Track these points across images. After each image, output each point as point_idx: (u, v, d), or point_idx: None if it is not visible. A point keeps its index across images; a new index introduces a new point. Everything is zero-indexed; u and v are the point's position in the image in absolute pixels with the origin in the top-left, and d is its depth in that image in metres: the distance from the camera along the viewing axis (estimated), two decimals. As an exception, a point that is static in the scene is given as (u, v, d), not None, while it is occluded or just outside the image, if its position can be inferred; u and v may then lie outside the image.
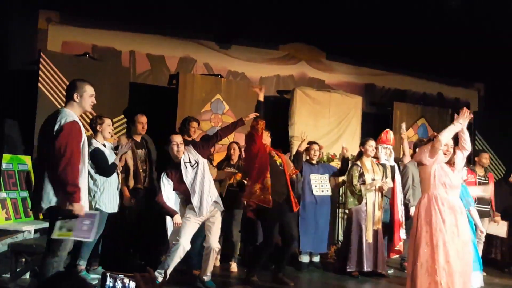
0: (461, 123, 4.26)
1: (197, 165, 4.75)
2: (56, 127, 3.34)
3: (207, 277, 4.81)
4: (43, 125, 3.57)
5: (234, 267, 5.86)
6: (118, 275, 1.69)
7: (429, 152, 4.18)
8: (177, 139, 4.77)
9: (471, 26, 7.65)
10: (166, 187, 4.75)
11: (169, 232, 4.78)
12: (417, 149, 6.30)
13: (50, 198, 3.36)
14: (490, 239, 6.95)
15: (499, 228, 6.72)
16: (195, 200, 4.70)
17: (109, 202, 4.78)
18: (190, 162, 4.76)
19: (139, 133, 5.45)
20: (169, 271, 4.53)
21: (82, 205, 3.36)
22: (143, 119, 5.45)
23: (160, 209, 4.73)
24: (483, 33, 7.75)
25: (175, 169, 4.76)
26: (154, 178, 5.48)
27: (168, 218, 4.75)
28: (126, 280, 1.67)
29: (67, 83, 5.84)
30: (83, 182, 3.45)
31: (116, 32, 7.20)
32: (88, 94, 3.58)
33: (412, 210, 6.02)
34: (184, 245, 4.59)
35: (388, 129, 6.44)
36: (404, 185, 6.18)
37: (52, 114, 3.53)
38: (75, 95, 3.54)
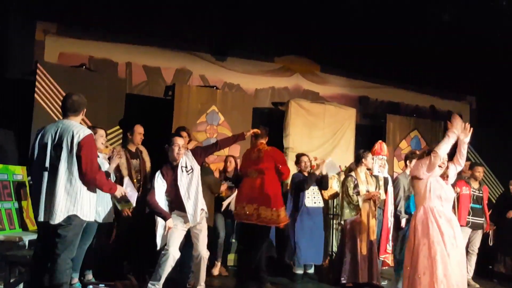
0: (455, 132, 4.22)
1: (192, 171, 4.71)
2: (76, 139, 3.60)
3: (201, 287, 4.77)
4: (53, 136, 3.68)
5: (218, 266, 6.10)
6: (98, 285, 1.70)
7: (427, 166, 4.18)
8: (180, 141, 4.72)
9: (463, 40, 7.78)
10: (160, 187, 4.65)
11: (158, 237, 4.62)
12: (408, 162, 6.42)
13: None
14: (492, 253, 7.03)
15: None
16: (189, 207, 4.63)
17: (103, 212, 4.78)
18: (186, 167, 4.71)
19: (136, 143, 5.46)
20: (161, 282, 4.51)
21: (119, 187, 4.01)
22: (141, 129, 5.46)
23: (152, 209, 4.60)
24: (474, 46, 7.87)
25: (171, 171, 4.69)
26: (147, 188, 5.48)
27: (159, 222, 4.62)
28: None
29: (64, 94, 5.95)
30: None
31: (112, 43, 7.24)
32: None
33: (404, 222, 6.07)
34: (174, 254, 4.54)
35: (381, 141, 6.51)
36: (395, 196, 6.22)
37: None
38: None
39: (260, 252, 5.16)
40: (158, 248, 4.58)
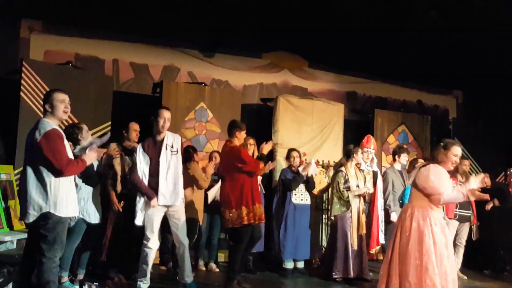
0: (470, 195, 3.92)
1: (177, 153, 4.68)
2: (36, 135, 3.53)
3: (189, 279, 4.74)
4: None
5: (214, 268, 6.16)
6: (92, 284, 1.70)
7: (432, 200, 3.92)
8: (167, 114, 4.70)
9: (450, 35, 7.84)
10: (142, 162, 4.57)
11: (139, 215, 4.56)
12: (397, 157, 6.47)
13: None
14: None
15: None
16: (162, 186, 4.57)
17: (93, 212, 4.75)
18: (172, 146, 4.67)
19: (132, 140, 5.39)
20: (148, 276, 4.52)
21: (89, 154, 3.79)
22: (136, 126, 5.43)
23: (137, 188, 4.53)
24: (461, 41, 7.94)
25: (153, 146, 4.62)
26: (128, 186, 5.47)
27: (140, 200, 4.56)
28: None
29: (49, 91, 5.92)
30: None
31: (99, 40, 7.18)
32: (57, 101, 3.68)
33: (393, 216, 6.13)
34: (154, 246, 4.57)
35: (369, 135, 6.57)
36: (384, 190, 6.28)
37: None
38: (46, 106, 3.68)
39: (235, 253, 5.10)
40: (140, 224, 4.57)
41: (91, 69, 6.85)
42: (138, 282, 4.46)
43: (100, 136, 4.78)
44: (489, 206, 7.18)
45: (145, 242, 4.57)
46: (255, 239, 5.15)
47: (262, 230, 5.60)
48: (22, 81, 5.89)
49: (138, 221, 4.61)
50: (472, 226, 7.02)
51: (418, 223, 3.88)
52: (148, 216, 4.59)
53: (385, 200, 6.27)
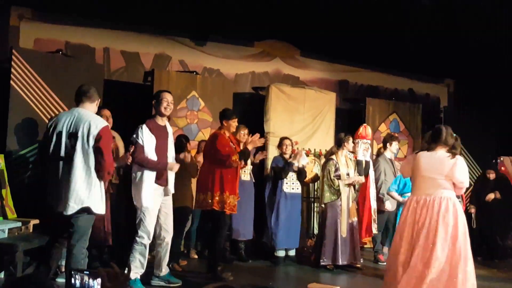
0: None
1: (171, 142, 4.67)
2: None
3: (167, 270, 4.74)
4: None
5: (193, 253, 6.27)
6: (83, 273, 1.71)
7: (459, 190, 4.01)
8: (169, 97, 4.61)
9: (441, 23, 7.85)
10: (149, 143, 4.37)
11: (144, 198, 4.36)
12: (389, 145, 6.51)
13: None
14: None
15: None
16: (171, 175, 4.56)
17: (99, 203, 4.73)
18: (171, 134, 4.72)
19: None
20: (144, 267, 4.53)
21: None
22: (106, 112, 5.29)
23: (147, 166, 4.34)
24: (452, 30, 7.96)
25: (158, 128, 4.49)
26: (121, 174, 5.47)
27: (144, 181, 4.37)
28: (89, 277, 1.69)
29: (40, 80, 5.89)
30: None
31: (89, 28, 7.12)
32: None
33: (387, 204, 6.20)
34: (148, 241, 4.49)
35: (365, 124, 6.59)
36: (377, 180, 6.33)
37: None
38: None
39: (212, 239, 5.15)
40: (144, 206, 4.41)
41: (81, 57, 6.79)
42: (136, 275, 4.44)
43: None
44: (490, 198, 7.27)
45: (141, 232, 4.46)
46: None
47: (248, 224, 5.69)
48: (12, 70, 5.83)
49: (147, 202, 4.43)
50: (472, 215, 7.16)
51: (448, 214, 3.85)
52: (147, 211, 4.47)
53: (378, 189, 6.32)
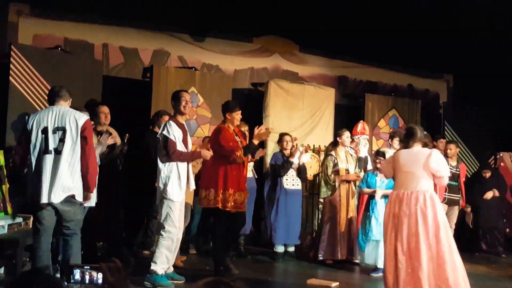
0: None
1: (190, 139, 4.76)
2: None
3: (170, 269, 4.71)
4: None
5: (192, 249, 6.26)
6: (84, 267, 1.70)
7: (439, 182, 4.31)
8: (187, 96, 4.67)
9: (441, 19, 7.85)
10: (178, 137, 4.44)
11: (178, 189, 4.47)
12: (397, 140, 6.51)
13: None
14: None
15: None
16: (191, 172, 4.63)
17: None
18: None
19: (102, 124, 5.28)
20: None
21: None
22: (104, 108, 5.30)
23: (181, 159, 4.43)
24: (452, 25, 7.96)
25: (179, 124, 4.55)
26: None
27: (174, 172, 4.43)
28: (91, 272, 1.69)
29: (39, 76, 5.90)
30: None
31: (88, 24, 7.11)
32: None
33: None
34: (175, 237, 4.52)
35: (362, 121, 6.63)
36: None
37: None
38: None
39: (214, 236, 5.18)
40: (173, 199, 4.46)
41: (80, 53, 6.79)
42: (160, 270, 4.44)
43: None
44: (489, 196, 7.29)
45: (167, 227, 4.47)
46: (230, 227, 5.04)
47: (247, 219, 5.52)
48: (11, 66, 5.84)
49: (182, 195, 4.54)
50: (469, 213, 7.18)
51: (426, 206, 4.04)
52: (174, 205, 4.49)
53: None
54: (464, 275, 3.99)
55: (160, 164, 4.53)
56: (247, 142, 5.17)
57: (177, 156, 4.45)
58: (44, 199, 3.80)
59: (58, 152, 3.84)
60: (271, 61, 8.45)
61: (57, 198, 3.81)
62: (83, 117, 3.94)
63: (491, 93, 9.00)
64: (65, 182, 3.81)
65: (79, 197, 3.90)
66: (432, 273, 3.94)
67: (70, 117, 3.88)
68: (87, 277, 1.69)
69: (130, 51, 7.44)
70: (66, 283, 1.79)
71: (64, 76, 5.94)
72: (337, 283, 4.97)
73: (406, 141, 4.33)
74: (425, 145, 4.35)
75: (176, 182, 4.48)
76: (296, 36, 8.47)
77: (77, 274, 1.70)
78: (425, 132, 4.45)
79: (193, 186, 4.72)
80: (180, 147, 4.48)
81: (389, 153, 5.36)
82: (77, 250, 3.87)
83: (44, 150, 3.86)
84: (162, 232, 4.48)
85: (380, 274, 4.83)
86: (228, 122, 5.04)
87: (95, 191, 4.75)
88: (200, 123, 7.12)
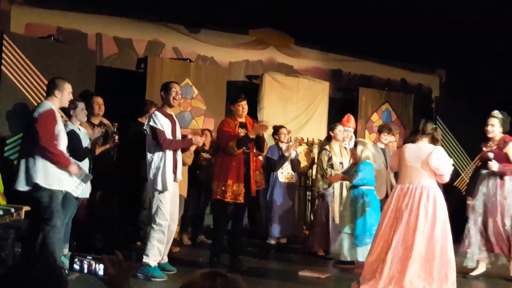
0: None
1: (178, 130, 4.71)
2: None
3: (164, 260, 4.70)
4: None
5: (203, 238, 6.25)
6: (86, 258, 1.70)
7: (441, 178, 4.27)
8: (177, 87, 4.64)
9: (434, 14, 7.88)
10: (166, 127, 4.42)
11: (168, 178, 4.41)
12: (385, 133, 6.54)
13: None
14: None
15: None
16: (180, 163, 4.61)
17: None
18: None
19: (96, 114, 5.27)
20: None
21: (74, 167, 4.05)
22: (98, 99, 5.27)
23: (171, 147, 4.41)
24: (445, 21, 7.99)
25: (167, 117, 4.51)
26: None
27: (167, 161, 4.40)
28: (93, 262, 1.69)
29: (32, 66, 5.83)
30: None
31: (81, 14, 7.04)
32: (67, 92, 4.13)
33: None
34: (166, 229, 4.48)
35: (349, 114, 6.67)
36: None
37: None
38: (56, 92, 4.06)
39: (215, 229, 5.16)
40: (161, 189, 4.43)
41: (73, 43, 6.73)
42: (153, 262, 4.42)
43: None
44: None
45: (158, 219, 4.45)
46: (232, 220, 5.06)
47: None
48: (3, 55, 5.75)
49: (170, 185, 4.47)
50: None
51: (428, 202, 4.11)
52: (163, 197, 4.48)
53: None
54: (453, 268, 4.10)
55: (149, 155, 4.52)
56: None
57: (168, 144, 4.42)
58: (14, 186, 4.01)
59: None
60: (266, 53, 8.44)
61: (18, 185, 3.96)
62: (41, 109, 3.96)
63: (483, 89, 9.08)
64: (26, 170, 3.97)
65: (46, 185, 3.95)
66: (420, 266, 4.05)
67: (34, 109, 4.16)
68: (85, 266, 1.69)
69: (124, 41, 7.38)
70: (67, 272, 1.79)
71: (56, 66, 5.87)
72: (329, 274, 5.00)
73: (414, 135, 4.35)
74: (434, 140, 4.30)
75: (165, 173, 4.45)
76: (292, 29, 8.46)
77: (76, 263, 1.70)
78: (435, 126, 4.37)
79: (179, 177, 4.68)
80: (168, 135, 4.49)
81: (367, 145, 5.34)
82: (50, 239, 3.91)
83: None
84: (153, 225, 4.48)
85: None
86: (234, 114, 5.01)
87: (88, 182, 4.75)
88: (195, 115, 7.10)
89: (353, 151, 5.39)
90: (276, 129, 6.41)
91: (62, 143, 4.03)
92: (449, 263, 4.10)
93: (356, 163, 5.31)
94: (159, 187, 4.44)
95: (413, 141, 4.33)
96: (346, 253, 5.21)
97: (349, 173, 5.36)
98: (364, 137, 8.34)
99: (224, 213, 4.96)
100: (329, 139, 6.13)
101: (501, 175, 4.89)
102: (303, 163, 7.00)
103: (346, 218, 5.34)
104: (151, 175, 4.49)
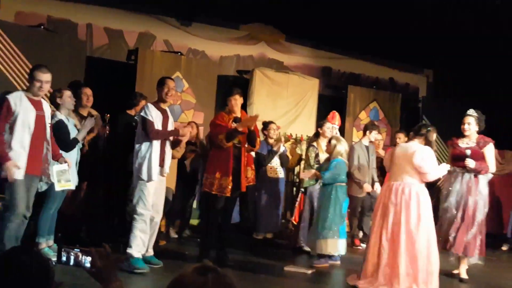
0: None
1: (171, 124, 4.74)
2: None
3: (149, 253, 4.70)
4: None
5: (188, 233, 6.28)
6: (73, 250, 1.69)
7: (424, 177, 4.37)
8: (171, 84, 4.68)
9: (422, 15, 7.97)
10: (156, 118, 4.48)
11: (154, 170, 4.45)
12: (368, 132, 6.62)
13: None
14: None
15: None
16: (168, 156, 4.63)
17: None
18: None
19: (84, 105, 5.22)
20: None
21: (10, 162, 3.82)
22: (87, 90, 5.22)
23: (160, 137, 4.47)
24: (433, 21, 8.09)
25: (160, 112, 4.56)
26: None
27: (153, 153, 4.45)
28: (80, 254, 1.69)
29: (21, 55, 5.78)
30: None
31: (72, 3, 6.98)
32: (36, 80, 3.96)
33: (367, 186, 6.31)
34: (148, 219, 4.50)
35: (334, 111, 6.75)
36: (350, 165, 6.43)
37: None
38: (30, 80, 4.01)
39: (204, 223, 5.20)
40: (145, 178, 4.46)
41: (63, 32, 6.67)
42: (137, 253, 4.42)
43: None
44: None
45: (140, 210, 4.47)
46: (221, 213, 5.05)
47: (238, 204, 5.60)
48: (-8, 43, 5.71)
49: (155, 175, 4.50)
50: None
51: (410, 199, 4.25)
52: (145, 188, 4.49)
53: (351, 174, 6.42)
54: (437, 262, 4.26)
55: (137, 146, 4.56)
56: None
57: (155, 134, 4.48)
58: None
59: None
60: (257, 49, 8.46)
61: None
62: None
63: (469, 89, 9.21)
64: None
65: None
66: (408, 261, 4.18)
67: None
68: (72, 258, 1.69)
69: (115, 32, 7.34)
70: (54, 263, 1.80)
71: (46, 55, 5.84)
72: (314, 270, 5.07)
73: (409, 136, 4.56)
74: (427, 142, 4.43)
75: (151, 163, 4.48)
76: (283, 25, 8.49)
77: (64, 255, 1.71)
78: (429, 129, 4.49)
79: (167, 171, 4.70)
80: (157, 127, 4.52)
81: (341, 141, 5.42)
82: (6, 231, 3.91)
83: None
84: (135, 215, 4.49)
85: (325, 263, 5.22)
86: (229, 109, 5.02)
87: (74, 173, 4.75)
88: (184, 108, 7.10)
89: (328, 146, 5.47)
90: (266, 125, 6.45)
91: (17, 135, 3.88)
92: (433, 261, 4.22)
93: (329, 159, 5.38)
94: (144, 176, 4.47)
95: (408, 141, 4.56)
96: (313, 246, 5.31)
97: (322, 169, 5.44)
98: (352, 134, 8.44)
99: (214, 207, 4.97)
100: (317, 135, 6.20)
101: (475, 173, 4.94)
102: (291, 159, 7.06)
103: (316, 213, 5.46)
104: (136, 164, 4.53)
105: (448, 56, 8.94)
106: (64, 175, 4.44)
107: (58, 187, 4.40)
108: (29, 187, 4.00)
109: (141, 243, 4.47)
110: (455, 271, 5.10)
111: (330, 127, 6.20)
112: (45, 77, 4.00)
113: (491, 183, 8.15)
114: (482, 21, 7.82)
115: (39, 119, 4.00)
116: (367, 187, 6.31)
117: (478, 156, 4.95)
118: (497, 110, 8.88)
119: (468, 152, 4.96)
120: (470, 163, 4.87)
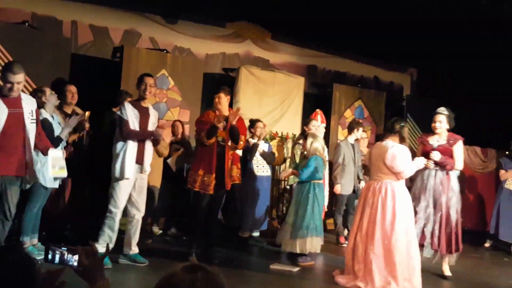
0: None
1: (152, 123, 4.74)
2: None
3: (136, 249, 4.73)
4: None
5: (174, 231, 6.27)
6: (60, 248, 1.70)
7: (399, 175, 4.45)
8: (150, 81, 4.68)
9: (406, 15, 8.05)
10: (132, 117, 4.53)
11: (128, 167, 4.48)
12: (356, 130, 6.67)
13: None
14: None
15: None
16: (149, 154, 4.65)
17: (49, 176, 4.68)
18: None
19: (69, 103, 5.20)
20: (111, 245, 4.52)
21: None
22: (72, 88, 5.20)
23: (133, 137, 4.51)
24: (417, 21, 8.18)
25: (140, 110, 4.59)
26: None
27: (128, 149, 4.48)
28: (66, 253, 1.69)
29: (5, 52, 5.71)
30: None
31: (57, 0, 6.92)
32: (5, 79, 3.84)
33: (338, 187, 6.39)
34: (119, 216, 4.53)
35: (318, 110, 6.83)
36: (334, 162, 6.50)
37: None
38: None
39: (192, 220, 5.23)
40: (126, 176, 4.48)
41: (48, 29, 6.60)
42: (102, 248, 4.35)
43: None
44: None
45: (112, 207, 4.51)
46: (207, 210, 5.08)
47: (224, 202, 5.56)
48: (-25, 40, 5.64)
49: (128, 173, 4.51)
50: None
51: (386, 197, 4.33)
52: (118, 185, 4.52)
53: (333, 171, 6.50)
54: (418, 259, 4.34)
55: (114, 144, 4.62)
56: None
57: (127, 134, 4.52)
58: None
59: None
60: (243, 47, 8.47)
61: None
62: None
63: (453, 88, 9.35)
64: None
65: None
66: (383, 258, 4.26)
67: None
68: (57, 256, 1.69)
69: (100, 29, 7.29)
70: (41, 262, 1.80)
71: (31, 52, 5.78)
72: (299, 268, 5.12)
73: (384, 134, 4.62)
74: (401, 139, 4.49)
75: (124, 161, 4.51)
76: (269, 23, 8.51)
77: (50, 254, 1.71)
78: (402, 124, 4.52)
79: (147, 169, 4.71)
80: (132, 127, 4.55)
81: (317, 138, 5.47)
82: None
83: None
84: (107, 212, 4.54)
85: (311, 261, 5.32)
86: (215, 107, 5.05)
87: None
88: (170, 106, 7.09)
89: (304, 143, 5.50)
90: (253, 123, 6.46)
91: None
92: (414, 256, 4.30)
93: (306, 156, 5.42)
94: (116, 173, 4.51)
95: (382, 140, 4.57)
96: (286, 244, 5.34)
97: (300, 167, 5.49)
98: (337, 132, 8.51)
99: (200, 205, 4.99)
100: (303, 133, 6.24)
101: (447, 171, 4.97)
102: (278, 157, 7.09)
103: (290, 210, 5.50)
104: (112, 162, 4.57)
105: (432, 55, 9.06)
106: (59, 162, 4.49)
107: (52, 173, 4.43)
108: (4, 188, 3.85)
109: (108, 239, 4.51)
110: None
111: (316, 125, 6.25)
112: (17, 78, 3.83)
113: (474, 181, 8.43)
114: (466, 21, 7.94)
115: (14, 116, 3.82)
116: (337, 188, 6.38)
117: (447, 153, 5.01)
118: (479, 109, 9.05)
119: (435, 145, 5.06)
120: (435, 155, 4.91)
